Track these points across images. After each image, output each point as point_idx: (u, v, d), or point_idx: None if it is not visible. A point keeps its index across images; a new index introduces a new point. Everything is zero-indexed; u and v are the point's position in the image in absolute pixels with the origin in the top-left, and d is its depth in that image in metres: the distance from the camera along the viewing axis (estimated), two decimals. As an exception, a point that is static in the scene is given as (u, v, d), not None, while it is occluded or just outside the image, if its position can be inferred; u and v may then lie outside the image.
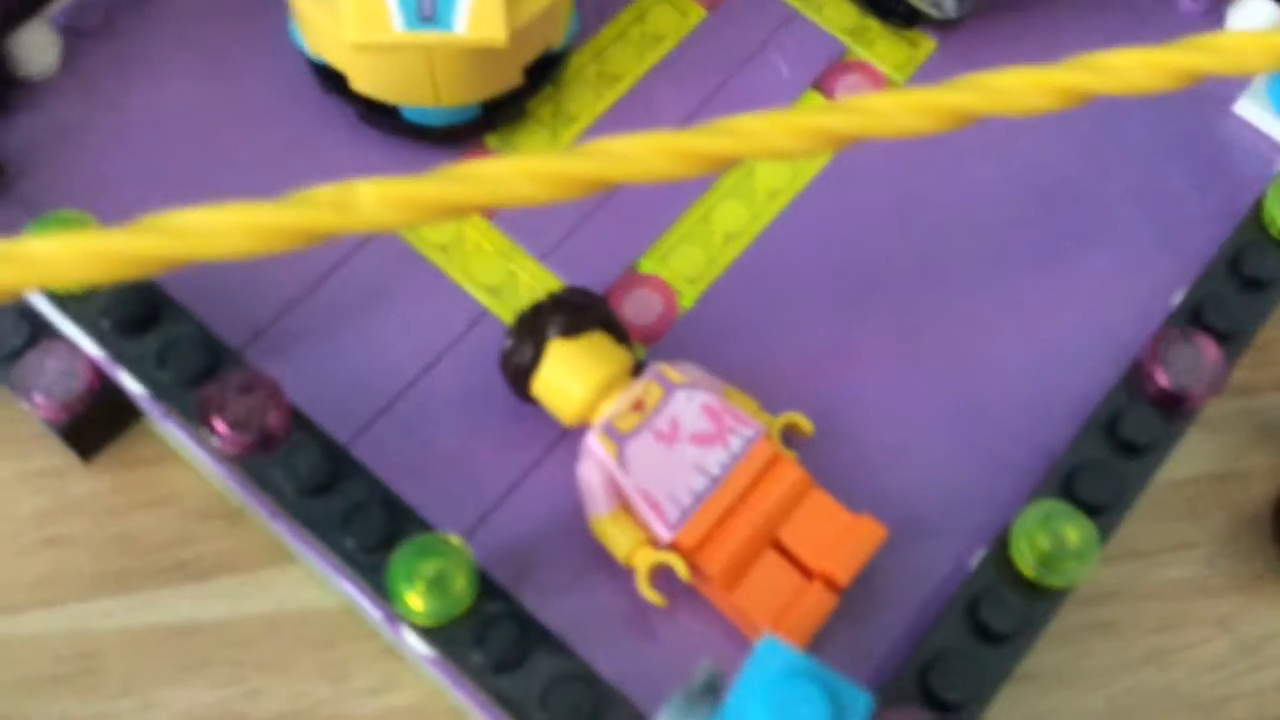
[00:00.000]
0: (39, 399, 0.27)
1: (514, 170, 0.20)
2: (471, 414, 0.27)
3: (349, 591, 0.26)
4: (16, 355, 0.28)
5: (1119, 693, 0.28)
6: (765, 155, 0.22)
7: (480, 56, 0.27)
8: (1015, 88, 0.22)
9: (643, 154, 0.22)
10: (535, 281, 0.29)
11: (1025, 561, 0.22)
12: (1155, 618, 0.29)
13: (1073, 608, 0.28)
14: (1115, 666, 0.28)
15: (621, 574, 0.25)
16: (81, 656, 0.28)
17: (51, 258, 0.19)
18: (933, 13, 0.31)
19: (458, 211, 0.21)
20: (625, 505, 0.25)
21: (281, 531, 0.26)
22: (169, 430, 0.29)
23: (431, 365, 0.28)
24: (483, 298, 0.28)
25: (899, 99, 0.22)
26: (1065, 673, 0.28)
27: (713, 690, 0.17)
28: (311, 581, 0.29)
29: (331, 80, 0.29)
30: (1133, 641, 0.29)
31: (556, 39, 0.29)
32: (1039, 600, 0.22)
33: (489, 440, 0.27)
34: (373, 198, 0.20)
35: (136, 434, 0.30)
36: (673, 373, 0.25)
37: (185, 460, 0.30)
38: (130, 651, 0.28)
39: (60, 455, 0.30)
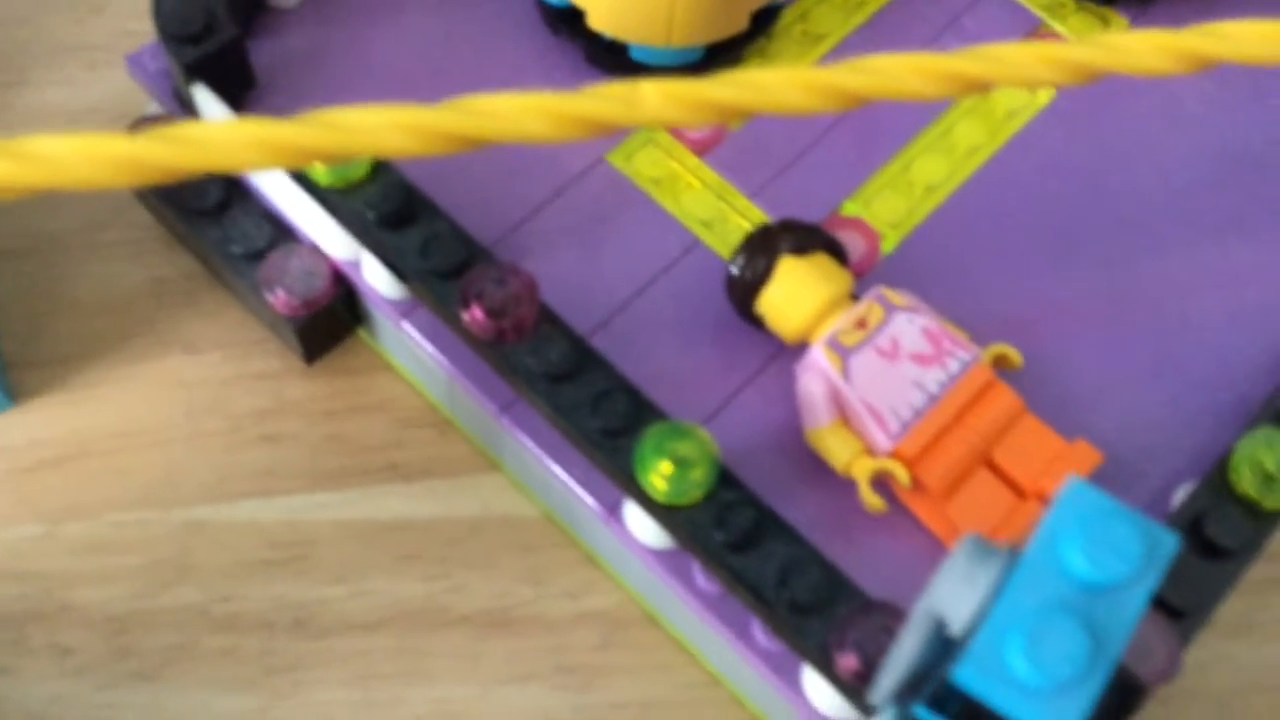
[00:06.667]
0: (281, 294, 0.29)
1: (786, 80, 0.22)
2: (685, 334, 0.28)
3: (563, 482, 0.27)
4: (260, 255, 0.30)
5: (1297, 648, 0.29)
6: (1016, 83, 0.23)
7: (718, -4, 0.29)
8: (1137, 49, 0.23)
9: (902, 72, 0.23)
10: (744, 218, 0.30)
11: (1247, 482, 0.23)
12: (1336, 577, 0.29)
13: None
14: (1294, 622, 0.29)
15: (832, 487, 0.26)
16: (296, 544, 0.30)
17: (363, 127, 0.20)
18: (1132, -12, 0.32)
19: (732, 113, 0.22)
20: (844, 417, 0.26)
21: (505, 427, 0.27)
22: (387, 340, 0.31)
23: (646, 287, 0.29)
24: (695, 229, 0.30)
25: (1139, 39, 0.23)
26: (1243, 623, 0.29)
27: (991, 550, 0.18)
28: (515, 490, 0.30)
29: (563, 20, 0.31)
30: (1311, 600, 0.29)
31: (780, -11, 0.31)
32: (1259, 521, 0.23)
33: (701, 359, 0.28)
34: (657, 95, 0.22)
35: (350, 346, 0.32)
36: (894, 295, 0.26)
37: (398, 371, 0.31)
38: (342, 542, 0.30)
39: (279, 359, 0.31)
